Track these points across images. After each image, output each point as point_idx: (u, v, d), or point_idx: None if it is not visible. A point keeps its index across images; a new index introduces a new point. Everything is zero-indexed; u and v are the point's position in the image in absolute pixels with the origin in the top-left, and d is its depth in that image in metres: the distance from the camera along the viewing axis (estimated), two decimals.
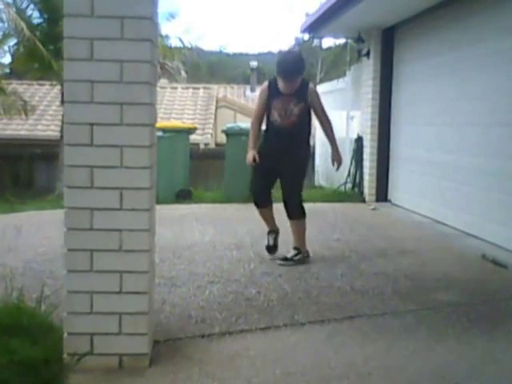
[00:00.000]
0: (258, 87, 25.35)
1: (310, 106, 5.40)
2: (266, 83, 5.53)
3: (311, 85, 5.45)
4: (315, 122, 5.93)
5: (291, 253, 5.45)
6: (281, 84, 5.35)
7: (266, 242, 5.68)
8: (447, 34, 7.62)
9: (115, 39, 3.01)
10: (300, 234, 5.50)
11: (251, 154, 5.38)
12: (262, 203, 5.56)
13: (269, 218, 5.65)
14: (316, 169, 13.55)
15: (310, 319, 3.93)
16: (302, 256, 5.45)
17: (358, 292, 4.55)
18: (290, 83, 5.30)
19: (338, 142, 5.73)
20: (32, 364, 2.93)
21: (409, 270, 5.25)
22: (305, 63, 5.43)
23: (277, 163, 5.40)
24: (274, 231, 5.68)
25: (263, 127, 5.58)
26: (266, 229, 5.73)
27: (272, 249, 5.65)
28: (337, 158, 5.65)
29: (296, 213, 5.46)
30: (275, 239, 5.67)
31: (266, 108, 5.45)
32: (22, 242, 6.16)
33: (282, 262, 5.37)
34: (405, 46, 9.05)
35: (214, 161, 14.00)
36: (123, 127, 3.05)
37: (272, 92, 5.40)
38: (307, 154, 5.57)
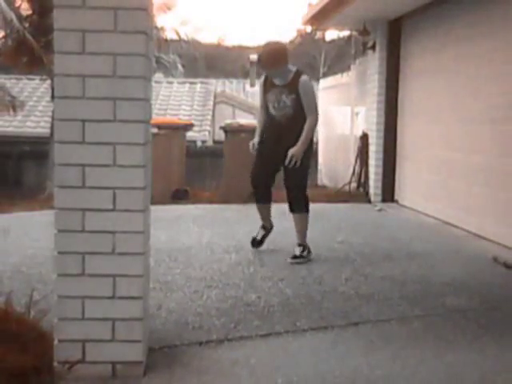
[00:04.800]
0: (259, 82, 25.33)
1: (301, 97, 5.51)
2: (262, 77, 5.83)
3: (304, 76, 5.53)
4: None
5: (297, 250, 5.56)
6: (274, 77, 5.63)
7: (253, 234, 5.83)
8: (456, 27, 7.61)
9: (108, 31, 3.01)
10: (302, 229, 5.63)
11: (251, 142, 5.71)
12: (260, 194, 5.73)
13: (265, 214, 5.82)
14: (319, 168, 13.55)
15: (312, 326, 3.93)
16: (308, 252, 5.57)
17: (363, 297, 4.55)
18: (275, 74, 5.54)
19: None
20: (21, 372, 2.93)
21: (416, 273, 5.25)
22: (285, 52, 5.55)
23: (276, 155, 5.58)
24: (265, 228, 5.86)
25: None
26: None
27: (256, 243, 5.84)
28: (295, 152, 5.44)
29: (297, 206, 5.60)
30: (263, 236, 5.87)
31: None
32: (11, 245, 6.16)
33: (292, 261, 5.47)
34: (412, 38, 9.04)
35: (211, 159, 14.01)
36: (116, 124, 3.05)
37: (267, 85, 5.69)
38: (309, 146, 5.64)
